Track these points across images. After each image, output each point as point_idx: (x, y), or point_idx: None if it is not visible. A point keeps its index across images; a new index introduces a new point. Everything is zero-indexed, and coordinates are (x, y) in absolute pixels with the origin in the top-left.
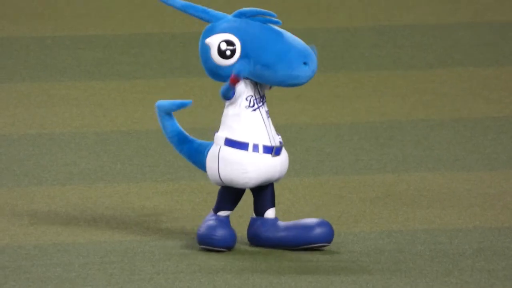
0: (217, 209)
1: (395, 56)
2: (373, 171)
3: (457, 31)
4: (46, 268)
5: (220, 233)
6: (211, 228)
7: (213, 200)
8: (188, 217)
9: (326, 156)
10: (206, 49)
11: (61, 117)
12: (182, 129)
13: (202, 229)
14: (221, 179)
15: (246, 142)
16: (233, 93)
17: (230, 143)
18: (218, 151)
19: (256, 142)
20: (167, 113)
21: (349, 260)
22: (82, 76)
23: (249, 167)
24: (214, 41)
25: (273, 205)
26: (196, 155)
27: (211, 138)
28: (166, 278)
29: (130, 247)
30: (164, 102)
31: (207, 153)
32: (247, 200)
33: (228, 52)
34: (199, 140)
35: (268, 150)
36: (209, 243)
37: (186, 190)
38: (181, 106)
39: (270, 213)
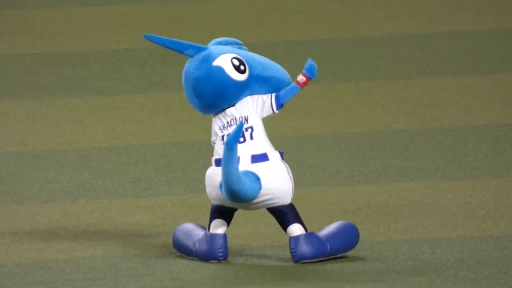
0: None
1: (374, 66)
2: (354, 182)
3: (435, 41)
4: (29, 286)
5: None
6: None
7: (194, 214)
8: (170, 231)
9: (307, 168)
10: (212, 74)
11: (42, 134)
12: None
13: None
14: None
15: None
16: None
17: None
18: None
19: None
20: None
21: (332, 272)
22: (62, 93)
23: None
24: (225, 60)
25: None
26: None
27: (190, 152)
28: None
29: (113, 263)
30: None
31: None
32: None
33: (242, 67)
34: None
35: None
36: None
37: (167, 205)
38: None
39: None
